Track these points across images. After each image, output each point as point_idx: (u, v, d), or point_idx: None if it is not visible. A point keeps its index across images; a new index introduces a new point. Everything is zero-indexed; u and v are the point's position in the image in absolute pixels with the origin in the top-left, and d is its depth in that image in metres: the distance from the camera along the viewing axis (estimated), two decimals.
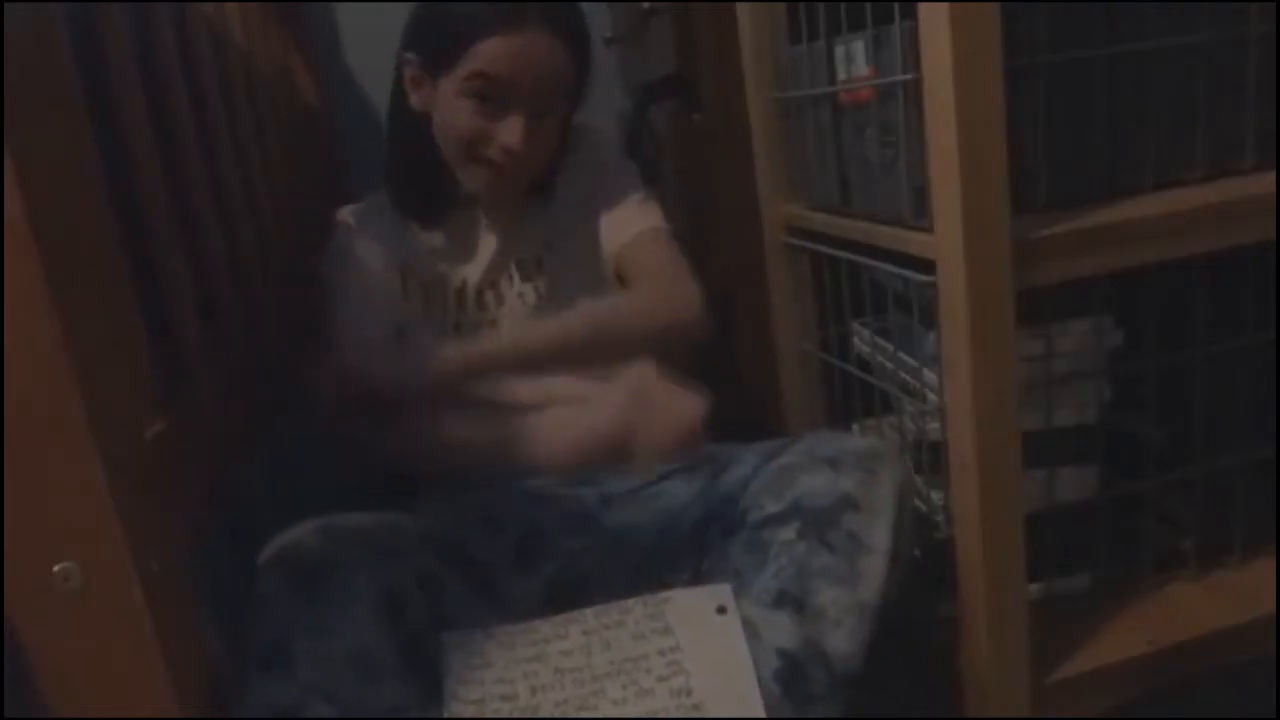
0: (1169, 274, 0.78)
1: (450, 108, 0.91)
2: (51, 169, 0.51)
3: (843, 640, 0.69)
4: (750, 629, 0.70)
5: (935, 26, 0.64)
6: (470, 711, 0.66)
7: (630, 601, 0.73)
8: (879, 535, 0.71)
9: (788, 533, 0.72)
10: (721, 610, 0.71)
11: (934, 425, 0.80)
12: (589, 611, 0.73)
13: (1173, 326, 0.81)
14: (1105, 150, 0.77)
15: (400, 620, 0.69)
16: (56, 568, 0.51)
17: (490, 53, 0.87)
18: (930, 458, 0.82)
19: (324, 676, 0.63)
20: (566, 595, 0.79)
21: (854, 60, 0.83)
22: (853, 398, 0.98)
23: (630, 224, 0.98)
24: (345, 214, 1.00)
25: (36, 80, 0.52)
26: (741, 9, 1.02)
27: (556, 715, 0.66)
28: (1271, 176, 0.76)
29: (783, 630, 0.69)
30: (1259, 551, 0.88)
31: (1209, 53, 0.76)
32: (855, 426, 1.00)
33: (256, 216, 0.99)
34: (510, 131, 0.88)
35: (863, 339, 0.96)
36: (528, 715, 0.66)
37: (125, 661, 0.53)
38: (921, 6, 0.65)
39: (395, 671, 0.66)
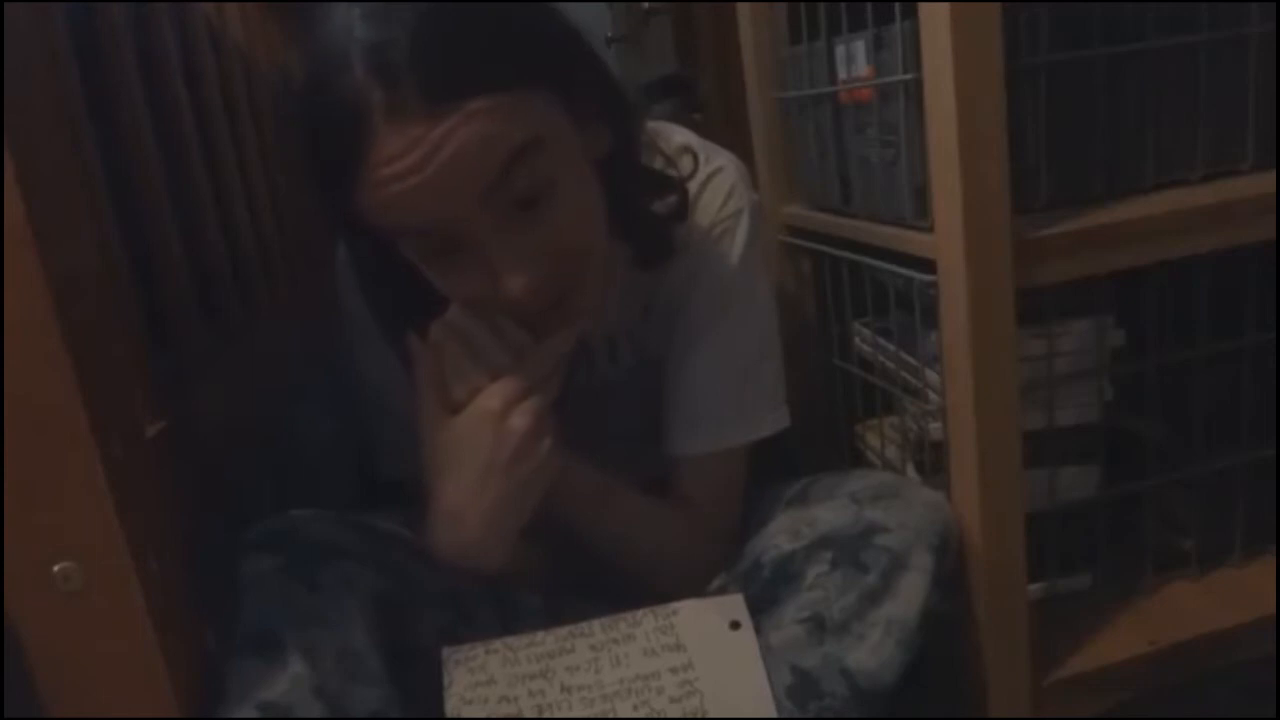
0: (1170, 274, 0.78)
1: (424, 271, 0.65)
2: (51, 169, 0.51)
3: (866, 655, 0.66)
4: (768, 652, 0.67)
5: (935, 26, 0.64)
6: None
7: (639, 613, 0.70)
8: (918, 555, 0.68)
9: (821, 565, 0.68)
10: (735, 625, 0.68)
11: (935, 425, 0.80)
12: (596, 624, 0.70)
13: (1174, 326, 0.81)
14: (1105, 150, 0.77)
15: (392, 624, 0.66)
16: (56, 568, 0.51)
17: (369, 203, 0.59)
18: (932, 458, 0.82)
19: (314, 669, 0.59)
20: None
21: (854, 60, 0.83)
22: (854, 398, 0.98)
23: (711, 428, 0.77)
24: None
25: (36, 80, 0.52)
26: (741, 9, 1.02)
27: None
28: (1271, 176, 0.76)
29: (799, 645, 0.67)
30: (1259, 551, 0.88)
31: (1209, 53, 0.76)
32: (857, 427, 1.00)
33: (256, 216, 0.99)
34: (504, 282, 0.61)
35: (864, 339, 0.96)
36: None
37: (125, 661, 0.53)
38: (922, 6, 0.65)
39: (382, 674, 0.63)
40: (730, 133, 1.10)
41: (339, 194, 0.61)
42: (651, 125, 0.77)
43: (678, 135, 0.79)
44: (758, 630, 0.68)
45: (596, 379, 0.82)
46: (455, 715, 0.64)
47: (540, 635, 0.69)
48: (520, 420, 0.66)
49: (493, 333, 0.67)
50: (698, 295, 0.77)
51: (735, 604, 0.70)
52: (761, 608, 0.70)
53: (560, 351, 0.68)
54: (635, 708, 0.65)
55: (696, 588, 0.74)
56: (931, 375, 0.79)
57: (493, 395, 0.66)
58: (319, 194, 0.64)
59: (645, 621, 0.69)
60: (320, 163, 0.61)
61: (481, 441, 0.66)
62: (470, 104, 0.56)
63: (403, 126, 0.56)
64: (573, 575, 0.78)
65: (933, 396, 0.79)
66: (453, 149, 0.57)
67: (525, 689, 0.66)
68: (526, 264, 0.61)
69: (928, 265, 0.73)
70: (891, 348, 0.88)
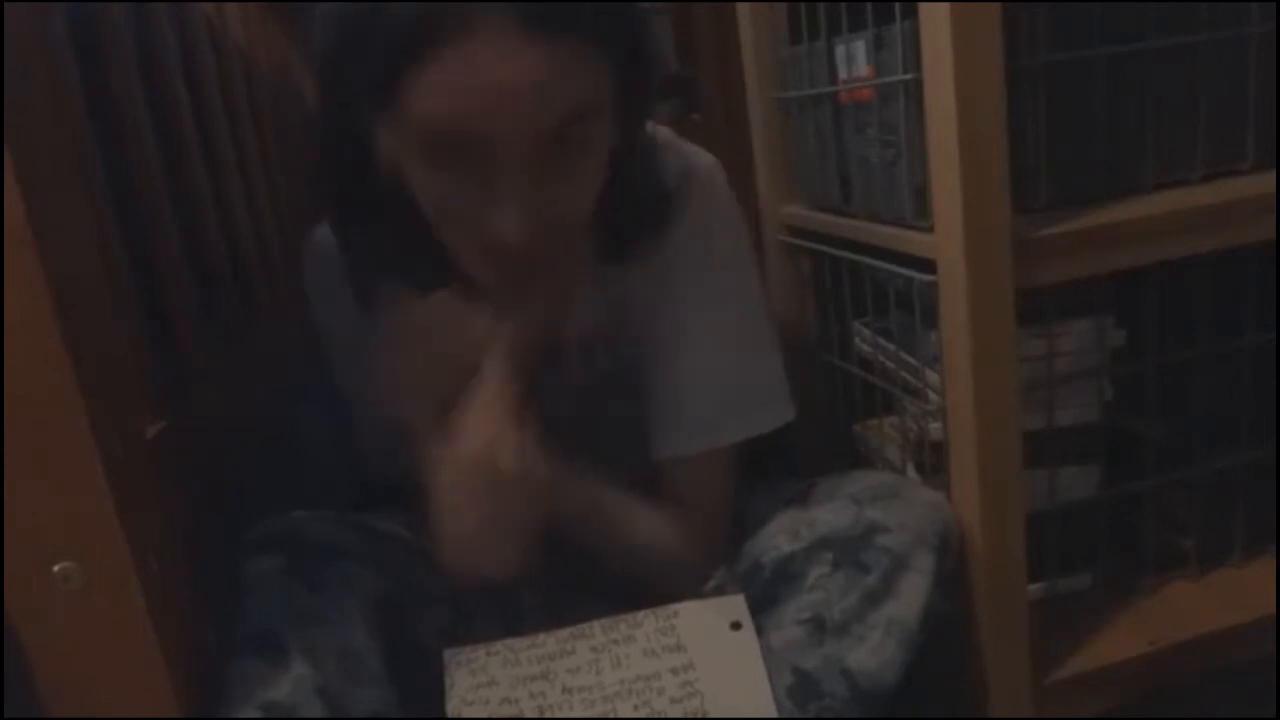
0: (1170, 274, 0.78)
1: (415, 180, 0.63)
2: (51, 169, 0.51)
3: (867, 655, 0.66)
4: (768, 653, 0.67)
5: (936, 26, 0.64)
6: None
7: (640, 614, 0.70)
8: (919, 555, 0.68)
9: (822, 566, 0.68)
10: (736, 626, 0.68)
11: (935, 425, 0.80)
12: (596, 625, 0.70)
13: (1174, 326, 0.81)
14: (1105, 150, 0.77)
15: (392, 624, 0.66)
16: (56, 568, 0.51)
17: (432, 91, 0.56)
18: (932, 458, 0.82)
19: (316, 669, 0.60)
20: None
21: (854, 60, 0.83)
22: (854, 398, 0.98)
23: (699, 427, 0.76)
24: (319, 234, 0.78)
25: (36, 80, 0.52)
26: (741, 9, 1.02)
27: None
28: (1271, 176, 0.76)
29: (799, 646, 0.67)
30: (1259, 551, 0.88)
31: (1209, 53, 0.76)
32: (856, 427, 1.00)
33: (256, 216, 0.99)
34: (503, 214, 0.59)
35: (864, 339, 0.96)
36: None
37: (125, 661, 0.53)
38: (922, 6, 0.65)
39: (382, 675, 0.63)
40: (730, 133, 1.09)
41: (391, 82, 0.57)
42: None
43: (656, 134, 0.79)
44: (758, 631, 0.68)
45: (573, 385, 0.80)
46: (457, 716, 0.65)
47: (541, 637, 0.69)
48: (507, 462, 0.64)
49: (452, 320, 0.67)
50: (677, 293, 0.76)
51: (736, 604, 0.70)
52: (762, 608, 0.70)
53: (519, 333, 0.66)
54: (636, 709, 0.65)
55: (690, 588, 0.74)
56: (931, 375, 0.79)
57: (472, 437, 0.64)
58: (364, 80, 0.60)
59: (646, 623, 0.70)
60: (387, 40, 0.57)
61: (475, 489, 0.64)
62: (572, 40, 0.57)
63: (500, 33, 0.55)
64: (573, 573, 0.78)
65: (933, 396, 0.79)
66: (543, 75, 0.56)
67: (526, 690, 0.66)
68: (533, 212, 0.60)
69: (928, 265, 0.73)
70: (891, 348, 0.88)
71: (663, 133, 0.79)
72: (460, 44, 0.55)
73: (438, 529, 0.67)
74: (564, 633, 0.70)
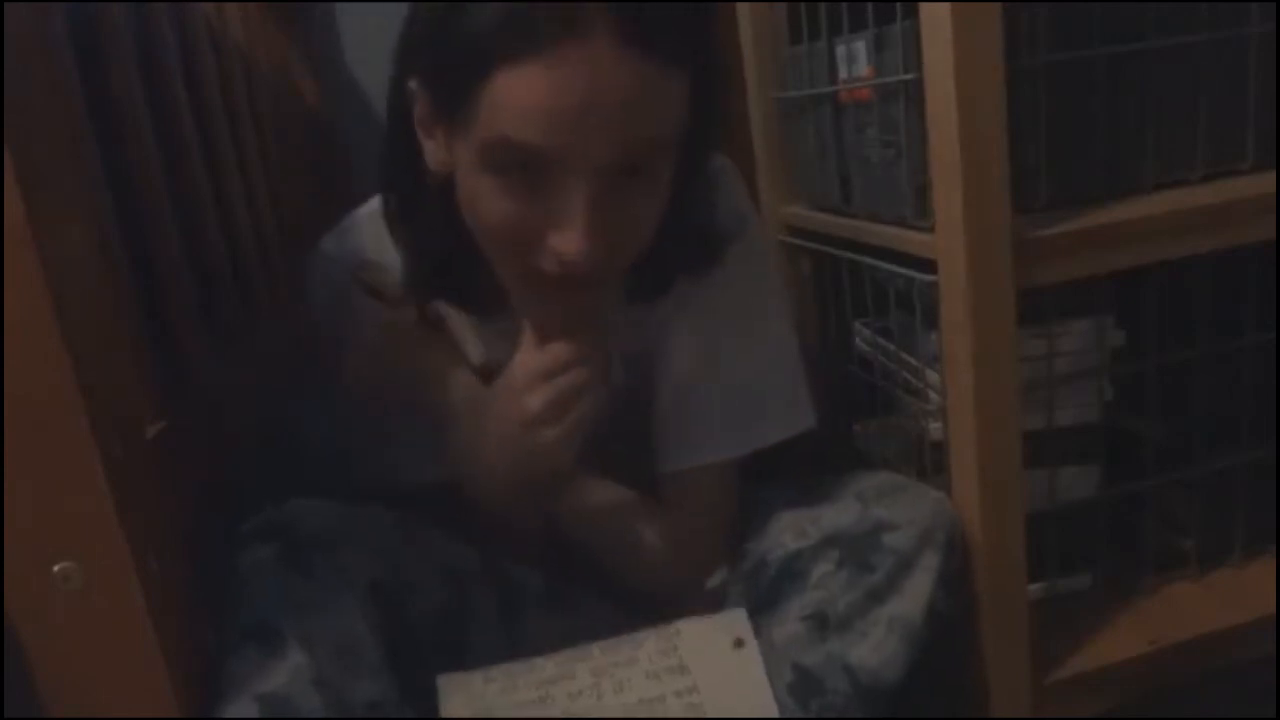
0: (1170, 274, 0.78)
1: (470, 186, 0.61)
2: (52, 169, 0.51)
3: (868, 652, 0.66)
4: (770, 650, 0.67)
5: (936, 26, 0.64)
6: None
7: (641, 634, 0.69)
8: (925, 553, 0.68)
9: (827, 564, 0.69)
10: (739, 644, 0.67)
11: (935, 425, 0.80)
12: (595, 647, 0.68)
13: (1174, 326, 0.81)
14: (1105, 150, 0.77)
15: (389, 614, 0.65)
16: (56, 568, 0.51)
17: (517, 99, 0.55)
18: (932, 458, 0.82)
19: (313, 659, 0.59)
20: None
21: (855, 60, 0.83)
22: (854, 397, 0.98)
23: (706, 442, 0.76)
24: (325, 244, 0.80)
25: (36, 80, 0.52)
26: (741, 9, 1.02)
27: None
28: (1271, 176, 0.76)
29: (801, 642, 0.67)
30: (1259, 551, 0.88)
31: (1209, 53, 0.76)
32: (856, 427, 1.00)
33: (256, 216, 0.99)
34: (566, 234, 0.58)
35: (864, 339, 0.96)
36: None
37: (125, 661, 0.53)
38: (923, 6, 0.65)
39: (381, 663, 0.63)
40: (730, 133, 1.10)
41: (471, 86, 0.56)
42: None
43: None
44: (761, 629, 0.68)
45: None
46: None
47: (540, 661, 0.68)
48: (533, 401, 0.66)
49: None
50: (708, 300, 0.75)
51: (739, 620, 0.69)
52: (767, 606, 0.70)
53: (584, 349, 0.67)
54: None
55: (687, 593, 0.74)
56: (931, 375, 0.79)
57: (515, 372, 0.68)
58: (441, 83, 0.60)
59: (647, 643, 0.68)
60: (472, 41, 0.56)
61: (500, 410, 0.69)
62: (659, 62, 0.56)
63: (593, 48, 0.54)
64: (573, 565, 0.78)
65: (933, 396, 0.79)
66: (631, 96, 0.56)
67: (525, 716, 0.64)
68: (596, 238, 0.58)
69: (928, 265, 0.73)
70: (891, 348, 0.88)
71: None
72: (552, 53, 0.54)
73: (474, 462, 0.71)
74: (562, 655, 0.68)
